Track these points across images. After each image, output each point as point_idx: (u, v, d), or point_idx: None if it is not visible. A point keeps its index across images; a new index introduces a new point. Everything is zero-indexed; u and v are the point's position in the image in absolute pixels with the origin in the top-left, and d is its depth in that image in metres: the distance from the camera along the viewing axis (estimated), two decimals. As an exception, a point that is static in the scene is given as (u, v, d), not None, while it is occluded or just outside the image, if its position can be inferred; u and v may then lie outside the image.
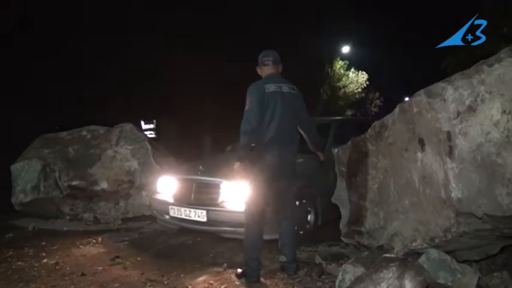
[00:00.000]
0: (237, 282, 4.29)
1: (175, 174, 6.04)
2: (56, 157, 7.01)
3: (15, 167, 6.90)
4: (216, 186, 5.34)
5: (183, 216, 5.42)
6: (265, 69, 4.50)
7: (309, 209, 5.70)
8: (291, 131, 4.41)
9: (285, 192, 4.42)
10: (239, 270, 4.39)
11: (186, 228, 5.58)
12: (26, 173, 6.84)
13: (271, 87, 4.29)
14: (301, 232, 5.41)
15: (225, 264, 4.76)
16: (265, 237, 4.53)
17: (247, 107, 4.21)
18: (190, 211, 5.36)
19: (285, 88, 4.39)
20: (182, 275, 4.47)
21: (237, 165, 4.20)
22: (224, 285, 4.22)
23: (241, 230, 4.54)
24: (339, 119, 7.65)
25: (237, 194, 5.07)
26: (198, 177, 5.62)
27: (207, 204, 5.31)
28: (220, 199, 5.26)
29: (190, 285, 4.21)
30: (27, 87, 16.68)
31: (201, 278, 4.40)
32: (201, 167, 5.89)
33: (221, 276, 4.46)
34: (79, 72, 17.90)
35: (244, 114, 4.20)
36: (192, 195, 5.49)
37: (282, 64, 4.56)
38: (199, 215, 5.26)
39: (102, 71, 18.00)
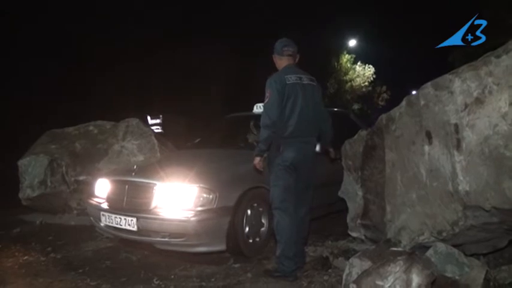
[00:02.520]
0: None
1: (109, 175, 5.46)
2: (63, 152, 7.02)
3: (23, 162, 6.92)
4: (149, 189, 4.67)
5: (114, 224, 4.74)
6: (284, 60, 4.32)
7: (261, 209, 4.96)
8: (311, 124, 4.25)
9: (304, 189, 4.27)
10: (270, 268, 4.32)
11: (120, 237, 4.95)
12: (33, 168, 6.85)
13: (291, 78, 4.14)
14: (256, 239, 4.88)
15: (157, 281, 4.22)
16: (210, 248, 4.47)
17: (266, 99, 4.09)
18: (120, 218, 4.68)
19: (305, 79, 4.25)
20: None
21: (256, 160, 4.11)
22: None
23: (177, 240, 4.37)
24: None
25: (173, 198, 4.53)
26: (130, 179, 4.98)
27: (138, 210, 4.63)
28: (153, 204, 4.58)
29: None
30: (34, 83, 16.75)
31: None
32: (135, 167, 5.45)
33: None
34: (87, 69, 17.98)
35: (264, 107, 4.11)
36: (125, 200, 4.80)
37: (299, 55, 4.40)
38: (129, 223, 4.60)
39: (109, 67, 18.06)
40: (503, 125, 3.15)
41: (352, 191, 4.64)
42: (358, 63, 33.73)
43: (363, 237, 4.53)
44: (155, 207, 4.57)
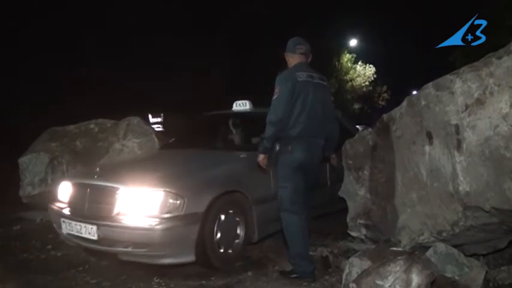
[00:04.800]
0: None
1: (71, 177, 5.15)
2: (64, 150, 7.02)
3: (23, 160, 6.92)
4: (112, 194, 4.25)
5: (75, 233, 4.34)
6: (296, 57, 4.21)
7: (237, 219, 4.57)
8: (321, 124, 4.14)
9: (310, 189, 4.21)
10: (287, 269, 4.22)
11: (83, 246, 4.55)
12: (33, 166, 6.86)
13: (302, 76, 4.05)
14: (229, 251, 4.45)
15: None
16: (177, 260, 4.11)
17: (275, 95, 3.99)
18: (80, 226, 4.27)
19: (316, 78, 4.17)
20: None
21: (261, 157, 4.07)
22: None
23: (140, 251, 4.02)
24: None
25: (136, 204, 4.13)
26: (92, 182, 4.57)
27: (100, 217, 4.23)
28: (116, 211, 4.17)
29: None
30: (35, 81, 16.76)
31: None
32: (97, 168, 5.04)
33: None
34: (88, 67, 18.00)
35: (272, 104, 4.00)
36: (86, 206, 4.38)
37: (311, 55, 4.31)
38: (89, 232, 4.21)
39: (111, 67, 18.08)
40: (504, 126, 3.15)
41: (352, 190, 4.64)
42: (359, 62, 33.76)
43: (363, 237, 4.53)
44: (117, 214, 4.15)
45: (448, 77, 3.53)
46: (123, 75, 18.70)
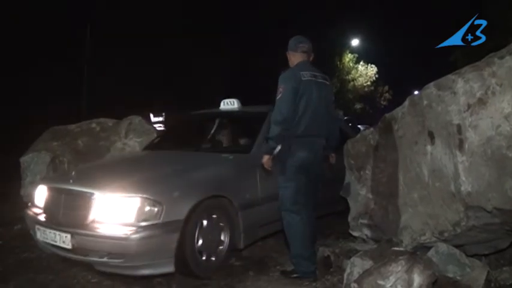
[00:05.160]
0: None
1: (48, 181, 4.79)
2: (65, 149, 7.02)
3: (25, 159, 6.92)
4: (87, 200, 3.98)
5: (49, 241, 4.09)
6: (298, 56, 4.15)
7: (221, 225, 4.33)
8: (323, 123, 4.10)
9: (313, 188, 4.14)
10: (288, 269, 4.19)
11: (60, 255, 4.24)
12: (35, 165, 6.86)
13: (306, 75, 3.99)
14: (212, 258, 4.22)
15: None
16: (155, 270, 3.88)
17: (279, 95, 3.91)
18: (55, 234, 4.02)
19: (320, 78, 4.11)
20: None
21: (265, 158, 3.97)
22: None
23: (116, 261, 3.77)
24: None
25: (112, 211, 3.88)
26: (67, 186, 4.27)
27: (74, 224, 3.95)
28: (91, 218, 3.89)
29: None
30: (35, 81, 16.79)
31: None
32: (73, 173, 4.64)
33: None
34: (91, 66, 18.04)
35: (276, 103, 3.92)
36: (61, 212, 4.12)
37: (313, 54, 4.26)
38: (63, 240, 3.95)
39: (114, 66, 18.11)
40: (506, 126, 3.15)
41: (354, 190, 4.64)
42: (361, 62, 33.77)
43: (365, 237, 4.53)
44: (92, 222, 3.88)
45: (450, 76, 3.53)
46: (124, 75, 18.72)
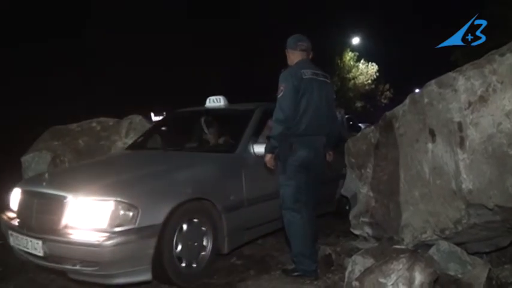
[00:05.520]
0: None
1: (22, 183, 4.55)
2: (66, 149, 7.01)
3: (26, 159, 6.92)
4: (59, 204, 3.76)
5: (22, 247, 3.89)
6: (298, 54, 4.11)
7: (203, 229, 4.12)
8: (324, 122, 4.08)
9: (313, 187, 4.11)
10: (289, 268, 4.17)
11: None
12: (36, 165, 6.85)
13: (307, 73, 3.96)
14: (193, 265, 4.02)
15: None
16: (131, 279, 3.62)
17: (280, 93, 3.88)
18: (27, 240, 3.81)
19: (321, 76, 4.09)
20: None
21: (268, 157, 3.97)
22: None
23: (89, 270, 3.55)
24: (263, 107, 5.32)
25: (85, 216, 3.67)
26: (40, 189, 4.04)
27: (46, 230, 3.73)
28: (63, 223, 3.68)
29: None
30: (36, 80, 16.80)
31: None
32: (47, 175, 4.38)
33: None
34: (91, 66, 18.05)
35: (278, 102, 3.89)
36: (34, 216, 3.90)
37: (312, 52, 4.23)
38: (35, 247, 3.74)
39: (113, 65, 18.12)
40: (507, 124, 3.15)
41: (355, 188, 4.64)
42: (362, 61, 33.72)
43: (366, 235, 4.52)
44: (65, 227, 3.67)
45: (451, 74, 3.53)
46: (125, 74, 18.72)
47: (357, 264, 3.60)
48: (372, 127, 4.55)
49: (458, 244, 3.66)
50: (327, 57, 25.67)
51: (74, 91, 17.15)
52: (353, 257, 3.72)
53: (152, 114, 16.92)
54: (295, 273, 4.05)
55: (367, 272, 3.26)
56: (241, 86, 19.66)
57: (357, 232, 4.63)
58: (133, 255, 3.59)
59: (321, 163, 4.21)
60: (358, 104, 33.45)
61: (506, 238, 3.73)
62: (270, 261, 4.57)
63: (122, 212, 3.61)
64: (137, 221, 3.59)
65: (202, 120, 5.84)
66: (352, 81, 33.14)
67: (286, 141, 3.92)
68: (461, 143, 3.37)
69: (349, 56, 32.90)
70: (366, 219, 4.45)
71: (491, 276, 3.47)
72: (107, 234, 3.52)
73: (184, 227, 3.96)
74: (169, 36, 20.21)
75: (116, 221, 3.59)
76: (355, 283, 3.26)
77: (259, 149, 4.53)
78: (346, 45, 32.68)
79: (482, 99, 3.29)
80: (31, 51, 17.02)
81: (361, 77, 33.43)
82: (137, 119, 7.33)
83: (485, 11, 12.67)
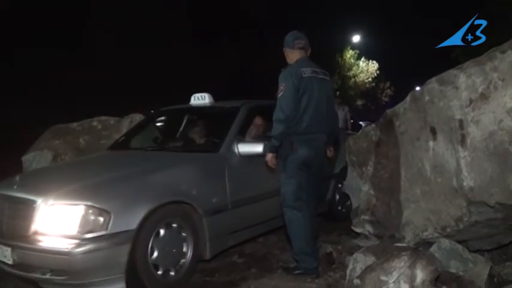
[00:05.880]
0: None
1: None
2: (67, 148, 7.01)
3: (27, 158, 6.93)
4: (29, 208, 3.55)
5: None
6: (296, 53, 4.07)
7: (183, 234, 3.91)
8: (324, 120, 4.04)
9: (314, 185, 4.11)
10: (291, 266, 4.16)
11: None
12: (37, 164, 6.85)
13: (307, 72, 3.93)
14: (171, 273, 3.80)
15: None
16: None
17: (280, 93, 3.85)
18: None
19: (320, 74, 4.07)
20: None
21: (269, 156, 3.94)
22: None
23: (59, 279, 3.35)
24: (249, 104, 5.17)
25: (54, 221, 3.47)
26: (10, 193, 3.84)
27: (16, 236, 3.55)
28: (32, 229, 3.48)
29: None
30: (37, 80, 16.83)
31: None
32: (19, 177, 4.23)
33: None
34: (92, 65, 18.06)
35: (278, 101, 3.86)
36: (4, 222, 3.71)
37: (310, 49, 4.19)
38: (4, 254, 3.57)
39: (113, 64, 18.13)
40: (508, 121, 3.15)
41: (356, 186, 4.63)
42: (362, 59, 33.70)
43: (367, 233, 4.52)
44: (34, 234, 3.48)
45: (452, 71, 3.52)
46: (126, 73, 18.74)
47: (358, 262, 3.59)
48: (373, 125, 4.55)
49: (459, 242, 3.66)
50: (327, 55, 25.64)
51: (74, 90, 17.16)
52: (354, 255, 3.72)
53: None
54: (297, 271, 4.04)
55: (369, 270, 3.26)
56: (242, 86, 19.67)
57: (358, 230, 4.62)
58: (105, 263, 3.39)
59: (322, 161, 4.20)
60: (359, 102, 33.44)
61: (507, 236, 3.72)
62: (271, 259, 4.57)
63: (92, 217, 3.41)
64: (109, 227, 3.39)
65: (186, 118, 5.75)
66: (353, 79, 33.12)
67: (287, 139, 3.91)
68: (463, 141, 3.36)
69: (349, 53, 32.87)
70: (367, 217, 4.45)
71: (492, 273, 3.47)
72: (77, 241, 3.33)
73: (162, 232, 3.74)
74: (169, 36, 20.21)
75: (86, 227, 3.39)
76: (357, 281, 3.26)
77: (244, 148, 4.45)
78: (346, 43, 32.65)
79: (483, 97, 3.28)
80: (31, 51, 17.03)
81: (361, 75, 33.42)
82: (138, 117, 7.33)
83: (485, 10, 12.67)
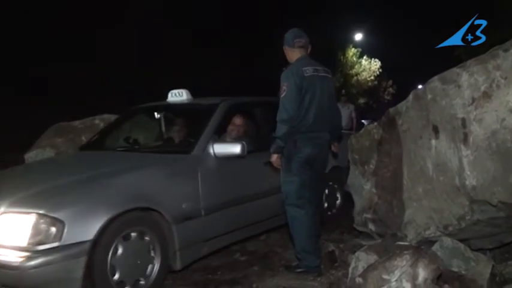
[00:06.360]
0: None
1: None
2: (69, 146, 7.01)
3: (29, 156, 6.94)
4: None
5: None
6: (297, 51, 4.04)
7: (149, 244, 3.59)
8: (327, 118, 4.03)
9: (317, 183, 4.11)
10: (293, 264, 4.15)
11: None
12: (39, 161, 6.88)
13: (309, 71, 3.90)
14: (140, 281, 3.51)
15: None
16: None
17: (283, 93, 3.82)
18: None
19: (322, 72, 4.03)
20: None
21: (274, 157, 3.92)
22: None
23: None
24: (229, 101, 4.81)
25: (5, 231, 3.17)
26: None
27: None
28: None
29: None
30: (37, 78, 16.86)
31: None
32: None
33: None
34: (93, 63, 18.08)
35: (281, 101, 3.83)
36: None
37: (310, 46, 4.16)
38: None
39: (116, 63, 18.16)
40: (511, 119, 3.14)
41: (358, 185, 4.63)
42: (364, 57, 33.67)
43: (369, 232, 4.52)
44: None
45: (455, 70, 3.52)
46: (127, 72, 18.75)
47: (361, 261, 3.60)
48: (375, 123, 4.54)
49: (461, 240, 3.65)
50: (329, 54, 25.62)
51: (75, 89, 17.19)
52: (356, 254, 3.72)
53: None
54: (299, 270, 4.05)
55: (371, 268, 3.26)
56: (241, 86, 19.67)
57: (360, 228, 4.62)
58: (58, 278, 3.07)
59: (325, 160, 4.21)
60: (361, 101, 33.42)
61: (510, 234, 3.71)
62: (273, 257, 4.57)
63: (44, 228, 3.08)
64: (62, 238, 3.07)
65: (162, 116, 5.49)
66: (355, 77, 33.11)
67: (290, 138, 3.90)
68: (465, 139, 3.36)
69: (352, 52, 32.86)
70: (369, 216, 4.45)
71: (494, 272, 3.48)
72: (28, 254, 3.01)
73: (124, 243, 3.40)
74: (169, 36, 20.23)
75: (37, 238, 3.06)
76: (359, 279, 3.26)
77: (220, 149, 4.17)
78: (349, 41, 32.62)
79: (486, 95, 3.28)
80: (31, 50, 17.07)
81: (364, 73, 33.41)
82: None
83: (486, 9, 12.66)
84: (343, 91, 15.93)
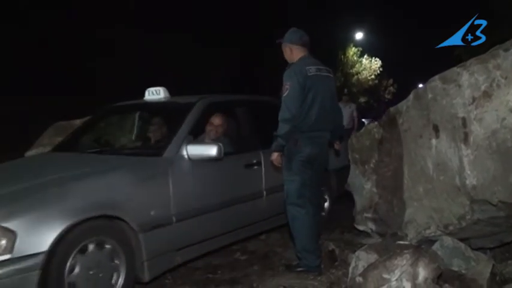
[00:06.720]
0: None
1: None
2: (70, 145, 7.03)
3: (30, 154, 6.94)
4: None
5: None
6: (299, 50, 4.02)
7: (113, 254, 3.30)
8: (329, 117, 4.02)
9: (317, 182, 4.10)
10: (293, 263, 4.15)
11: None
12: (40, 161, 6.88)
13: (312, 70, 3.89)
14: None
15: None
16: None
17: (286, 92, 3.79)
18: None
19: (324, 71, 4.03)
20: None
21: (274, 155, 3.90)
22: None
23: None
24: (207, 100, 4.51)
25: None
26: None
27: None
28: None
29: None
30: (38, 77, 16.86)
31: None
32: None
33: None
34: (93, 63, 18.09)
35: (283, 100, 3.81)
36: None
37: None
38: None
39: (115, 62, 18.16)
40: (511, 119, 3.14)
41: (358, 184, 4.63)
42: (365, 56, 33.66)
43: (370, 231, 4.52)
44: None
45: (455, 69, 3.52)
46: (127, 71, 18.75)
47: (361, 260, 3.60)
48: (376, 123, 4.54)
49: (462, 240, 3.65)
50: (330, 53, 25.60)
51: (76, 87, 17.19)
52: (357, 253, 3.72)
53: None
54: (299, 269, 4.04)
55: (371, 267, 3.26)
56: (241, 86, 19.69)
57: (360, 228, 4.63)
58: None
59: (326, 159, 4.20)
60: (362, 100, 33.40)
61: (510, 234, 3.72)
62: (274, 256, 4.57)
63: None
64: (14, 249, 2.80)
65: (137, 115, 5.30)
66: (356, 76, 33.09)
67: (291, 137, 3.89)
68: (465, 139, 3.36)
69: (352, 51, 32.84)
70: (370, 215, 4.45)
71: (495, 272, 3.48)
72: None
73: (83, 254, 3.13)
74: (170, 36, 20.23)
75: None
76: (359, 279, 3.26)
77: (194, 151, 3.89)
78: (349, 40, 32.61)
79: (486, 95, 3.28)
80: (31, 50, 17.08)
81: (364, 72, 33.39)
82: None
83: (485, 10, 12.65)
84: (346, 90, 15.86)
